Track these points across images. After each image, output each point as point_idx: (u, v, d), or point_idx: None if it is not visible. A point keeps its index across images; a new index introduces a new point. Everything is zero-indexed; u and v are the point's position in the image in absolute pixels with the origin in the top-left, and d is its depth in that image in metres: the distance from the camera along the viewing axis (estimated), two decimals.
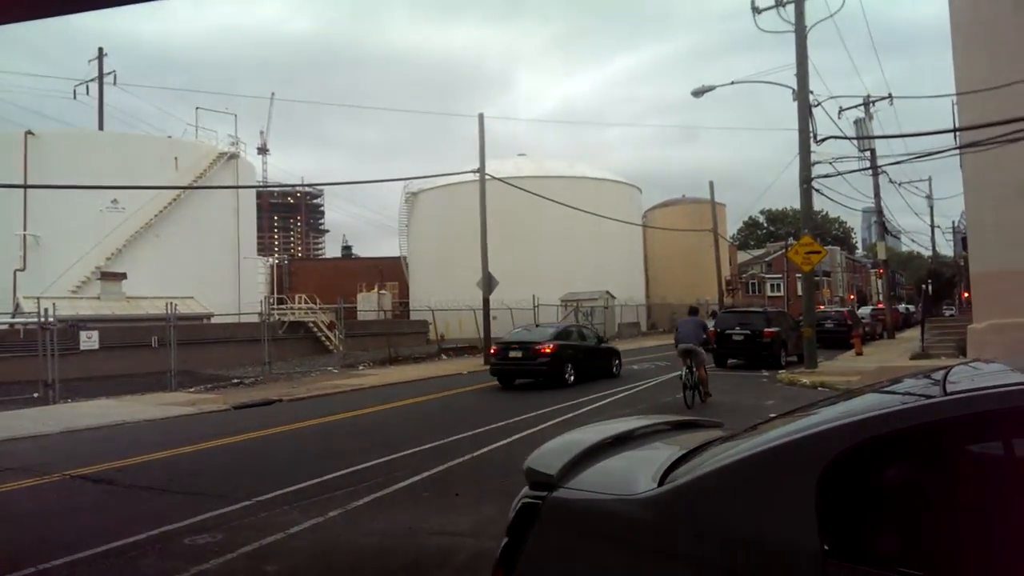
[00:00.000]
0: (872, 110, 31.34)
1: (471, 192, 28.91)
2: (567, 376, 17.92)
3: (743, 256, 78.58)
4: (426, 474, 8.19)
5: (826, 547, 1.91)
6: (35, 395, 16.89)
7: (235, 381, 20.76)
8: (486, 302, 26.55)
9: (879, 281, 60.05)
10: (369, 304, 45.09)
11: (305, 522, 6.36)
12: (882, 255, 39.44)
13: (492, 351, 19.11)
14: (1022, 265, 16.87)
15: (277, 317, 31.63)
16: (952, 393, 2.10)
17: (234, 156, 38.76)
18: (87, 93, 41.99)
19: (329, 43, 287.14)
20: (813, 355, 19.86)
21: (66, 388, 17.39)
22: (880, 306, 44.26)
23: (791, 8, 20.16)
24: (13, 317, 25.98)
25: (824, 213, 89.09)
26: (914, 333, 31.63)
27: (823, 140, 20.14)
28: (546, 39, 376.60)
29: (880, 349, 27.59)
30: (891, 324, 37.11)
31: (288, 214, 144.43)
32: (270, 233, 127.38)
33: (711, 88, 23.46)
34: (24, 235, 32.51)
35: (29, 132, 33.68)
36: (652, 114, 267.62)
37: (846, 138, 24.15)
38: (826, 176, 21.09)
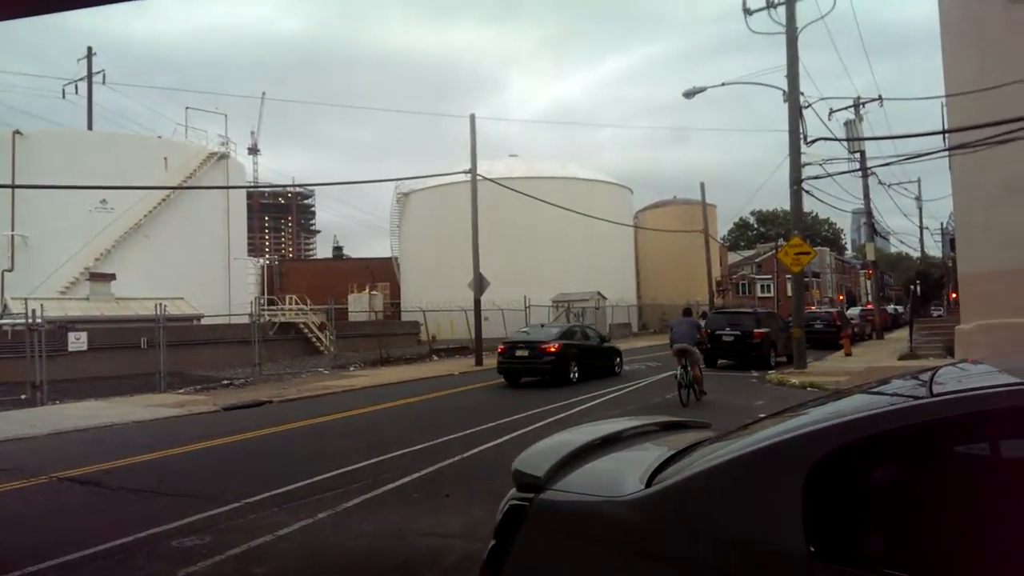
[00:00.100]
0: (862, 112, 31.57)
1: (463, 193, 28.90)
2: (571, 375, 18.44)
3: (733, 257, 78.94)
4: (416, 475, 8.17)
5: (812, 549, 1.91)
6: (23, 397, 16.76)
7: (225, 382, 20.68)
8: (477, 303, 26.54)
9: (868, 282, 60.38)
10: (360, 305, 44.99)
11: (294, 524, 6.33)
12: (871, 256, 39.66)
13: (499, 350, 19.75)
14: (1010, 266, 17.00)
15: (267, 318, 31.54)
16: (939, 394, 2.10)
17: (224, 156, 38.59)
18: (76, 92, 41.75)
19: (320, 43, 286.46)
20: (802, 356, 19.95)
21: (54, 390, 17.27)
22: (869, 307, 44.54)
23: (782, 10, 20.25)
24: (1, 318, 25.77)
25: (814, 214, 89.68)
26: (903, 334, 31.86)
27: (813, 141, 20.24)
28: (538, 40, 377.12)
29: (869, 349, 27.75)
30: (880, 325, 37.32)
31: (279, 214, 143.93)
32: (261, 234, 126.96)
33: (702, 89, 23.54)
34: (12, 236, 32.25)
35: (17, 132, 33.42)
36: (643, 115, 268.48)
37: (836, 139, 24.24)
38: (816, 177, 21.20)
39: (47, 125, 41.20)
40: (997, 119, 14.10)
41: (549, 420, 12.14)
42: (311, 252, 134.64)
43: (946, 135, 18.55)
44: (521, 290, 35.66)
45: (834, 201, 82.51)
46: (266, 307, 35.51)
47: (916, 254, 64.44)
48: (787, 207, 23.82)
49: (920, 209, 51.10)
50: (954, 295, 28.22)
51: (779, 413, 2.91)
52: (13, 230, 32.32)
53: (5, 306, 27.79)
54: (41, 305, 18.74)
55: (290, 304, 35.47)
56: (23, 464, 9.55)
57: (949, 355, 19.81)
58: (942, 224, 49.32)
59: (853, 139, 28.84)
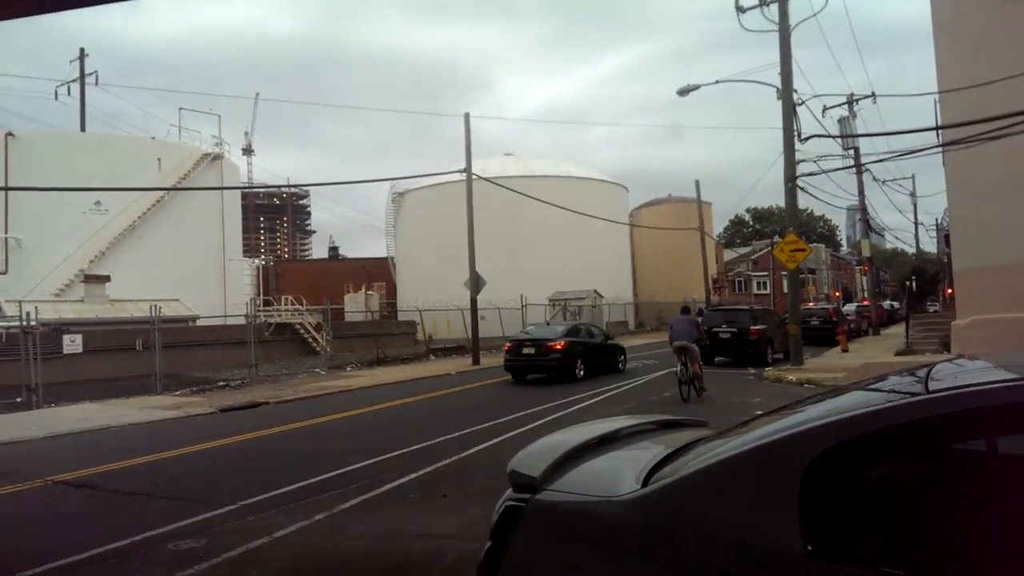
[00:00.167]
0: (856, 108, 31.59)
1: (458, 192, 28.86)
2: (577, 371, 18.81)
3: (729, 254, 79.03)
4: (413, 476, 8.15)
5: (809, 548, 1.90)
6: (18, 400, 16.69)
7: (221, 384, 20.62)
8: (474, 302, 26.52)
9: (864, 278, 60.54)
10: (356, 305, 44.93)
11: (291, 526, 6.31)
12: (866, 252, 39.74)
13: (506, 347, 20.14)
14: (1004, 261, 17.04)
15: (263, 319, 31.46)
16: (934, 391, 2.09)
17: (218, 157, 38.51)
18: (68, 94, 41.58)
19: (313, 43, 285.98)
20: (799, 352, 19.98)
21: (49, 392, 17.21)
22: (865, 303, 44.64)
23: (775, 8, 20.27)
24: None
25: (809, 211, 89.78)
26: (899, 329, 31.90)
27: (807, 139, 20.29)
28: (531, 39, 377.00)
29: (865, 345, 27.80)
30: (876, 321, 37.40)
31: (274, 215, 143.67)
32: (256, 234, 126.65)
33: (696, 87, 23.55)
34: (5, 238, 32.13)
35: (9, 133, 33.29)
36: (638, 113, 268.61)
37: (830, 136, 24.30)
38: (810, 174, 21.24)
39: (40, 127, 41.07)
40: (990, 115, 14.12)
41: (548, 419, 12.13)
42: (307, 252, 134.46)
43: (939, 131, 18.58)
44: (517, 289, 35.66)
45: (829, 198, 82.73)
46: (262, 308, 35.42)
47: (911, 250, 64.69)
48: (782, 204, 23.87)
49: (915, 205, 51.38)
50: (949, 291, 28.31)
51: (775, 411, 2.90)
52: (6, 232, 32.21)
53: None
54: (35, 308, 18.68)
55: (286, 305, 35.40)
56: (18, 467, 9.50)
57: (945, 350, 19.85)
58: (937, 220, 49.46)
59: (847, 136, 28.89)
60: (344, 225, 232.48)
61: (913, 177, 50.62)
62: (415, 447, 9.86)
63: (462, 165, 26.66)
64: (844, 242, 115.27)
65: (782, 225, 45.48)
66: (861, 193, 35.08)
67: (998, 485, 1.90)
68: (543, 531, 2.46)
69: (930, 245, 60.20)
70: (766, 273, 68.45)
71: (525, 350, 19.19)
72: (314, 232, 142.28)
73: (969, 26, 17.91)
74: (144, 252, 33.83)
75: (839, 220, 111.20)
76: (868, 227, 38.49)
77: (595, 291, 41.98)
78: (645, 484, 2.34)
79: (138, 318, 24.30)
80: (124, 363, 22.12)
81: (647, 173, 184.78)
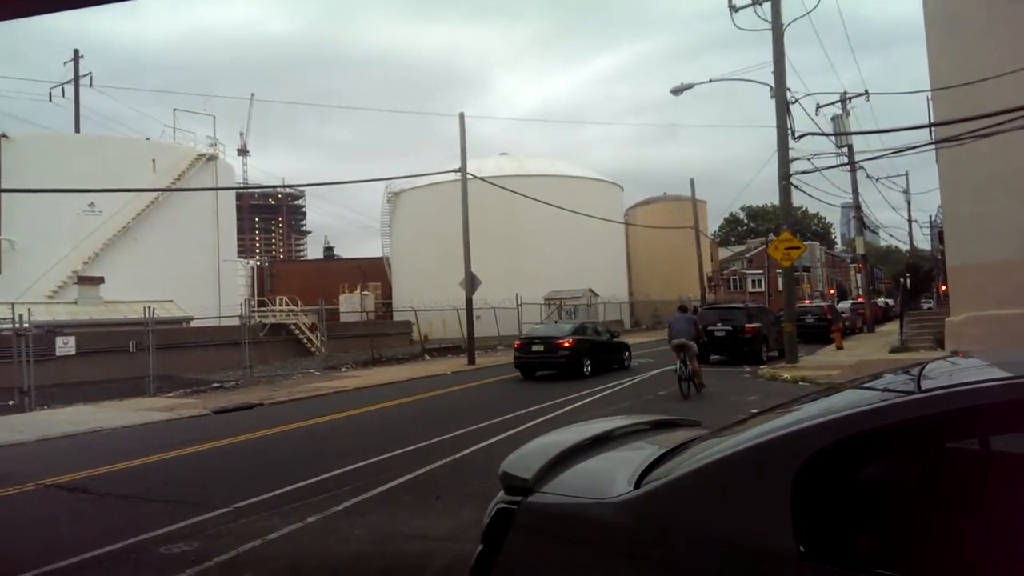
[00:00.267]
0: (849, 106, 31.64)
1: (453, 192, 28.83)
2: (584, 368, 19.39)
3: (724, 252, 79.20)
4: (407, 477, 8.12)
5: (802, 549, 1.88)
6: (10, 402, 16.60)
7: (215, 385, 20.55)
8: (469, 302, 26.49)
9: (858, 275, 60.67)
10: (352, 305, 44.85)
11: (283, 528, 6.27)
12: (861, 250, 39.86)
13: (515, 345, 20.83)
14: (997, 258, 17.09)
15: (258, 319, 31.40)
16: (927, 390, 2.07)
17: (213, 158, 38.41)
18: (63, 95, 41.39)
19: (309, 44, 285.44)
20: (794, 350, 20.01)
21: (42, 395, 17.12)
22: (860, 300, 44.70)
23: (768, 6, 20.28)
24: None
25: (803, 209, 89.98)
26: (893, 327, 31.98)
27: (801, 137, 20.32)
28: (527, 39, 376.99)
29: (860, 343, 27.86)
30: (871, 318, 37.47)
31: (269, 216, 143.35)
32: (251, 235, 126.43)
33: (690, 86, 23.56)
34: None
35: (3, 135, 33.16)
36: (632, 113, 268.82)
37: (824, 134, 24.31)
38: (804, 172, 21.31)
39: (34, 128, 40.87)
40: (982, 112, 14.15)
41: (544, 419, 12.11)
42: (302, 253, 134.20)
43: (932, 128, 18.62)
44: (513, 288, 35.65)
45: (823, 196, 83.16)
46: (257, 309, 35.36)
47: (905, 247, 64.79)
48: (777, 202, 23.90)
49: (908, 202, 51.46)
50: (943, 287, 28.35)
51: (769, 410, 2.88)
52: (0, 234, 32.05)
53: None
54: (28, 310, 18.61)
55: (281, 305, 35.32)
56: (10, 471, 9.44)
57: (940, 347, 19.90)
58: (931, 217, 49.59)
59: (840, 134, 28.92)
60: (339, 225, 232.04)
61: (907, 174, 50.71)
62: (410, 448, 9.83)
63: (457, 165, 26.61)
64: (838, 240, 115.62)
65: (777, 223, 45.52)
66: (855, 191, 35.16)
67: (993, 485, 1.88)
68: (535, 534, 2.44)
69: (924, 242, 60.34)
70: (761, 271, 68.57)
71: (534, 348, 19.78)
72: (309, 232, 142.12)
73: (961, 24, 17.96)
74: (138, 253, 33.72)
75: (833, 218, 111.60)
76: (862, 225, 38.59)
77: (591, 290, 41.97)
78: (638, 485, 2.32)
79: (132, 320, 24.20)
80: (118, 365, 22.02)
81: (642, 172, 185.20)
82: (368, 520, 6.55)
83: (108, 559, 5.72)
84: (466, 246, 26.17)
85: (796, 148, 20.65)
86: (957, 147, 16.04)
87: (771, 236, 47.01)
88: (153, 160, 35.38)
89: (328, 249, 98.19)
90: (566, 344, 19.34)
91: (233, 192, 47.25)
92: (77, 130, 40.09)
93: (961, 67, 17.13)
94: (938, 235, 32.34)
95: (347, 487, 7.70)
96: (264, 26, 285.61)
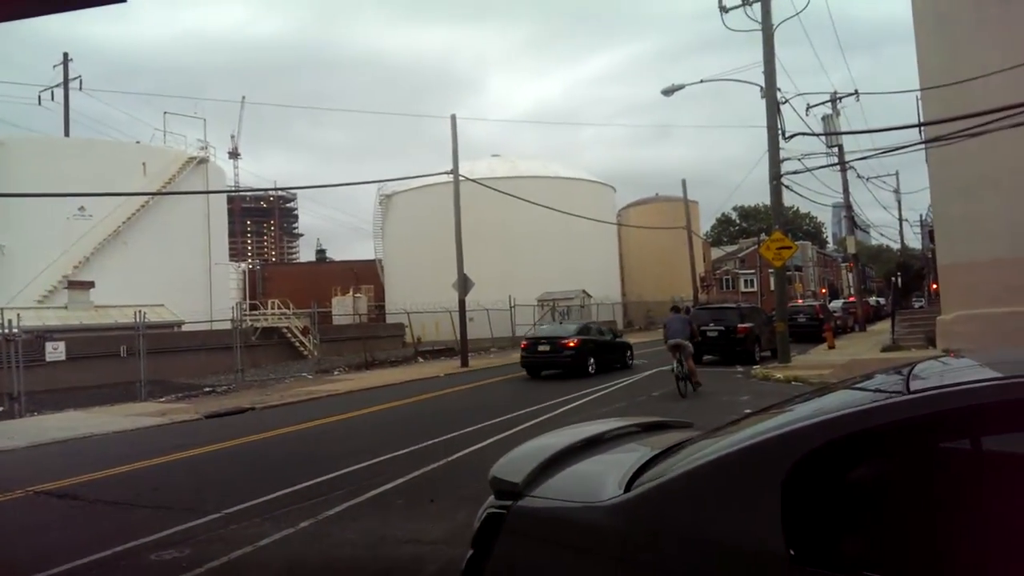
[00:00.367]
0: (839, 106, 31.76)
1: (446, 194, 28.79)
2: (589, 367, 19.90)
3: (717, 253, 79.33)
4: (400, 480, 8.09)
5: (792, 552, 1.87)
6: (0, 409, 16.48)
7: (207, 390, 20.45)
8: (462, 304, 26.45)
9: (850, 275, 60.90)
10: (344, 308, 44.74)
11: (275, 534, 6.23)
12: (852, 249, 39.99)
13: (522, 345, 21.39)
14: (987, 257, 17.19)
15: (250, 323, 31.25)
16: (916, 391, 2.06)
17: (204, 161, 38.25)
18: (52, 99, 41.16)
19: (299, 46, 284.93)
20: (786, 350, 20.05)
21: (32, 401, 17.01)
22: (851, 299, 44.88)
23: (758, 7, 20.35)
24: None
25: (795, 209, 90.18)
26: (885, 325, 32.10)
27: (791, 137, 20.36)
28: (519, 41, 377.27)
29: (852, 342, 27.95)
30: (862, 317, 37.62)
31: (261, 218, 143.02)
32: (243, 238, 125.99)
33: (681, 87, 23.61)
34: None
35: None
36: (624, 114, 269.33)
37: (814, 134, 24.38)
38: (795, 172, 21.37)
39: (22, 132, 40.64)
40: (971, 112, 14.23)
41: (538, 420, 12.09)
42: (294, 256, 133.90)
43: (922, 128, 18.71)
44: (506, 290, 35.63)
45: (814, 195, 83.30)
46: (248, 312, 35.22)
47: (896, 246, 65.17)
48: (768, 202, 23.97)
49: (899, 202, 51.78)
50: (934, 286, 28.50)
51: (761, 411, 2.87)
52: None
53: None
54: (18, 315, 18.47)
55: (273, 309, 35.18)
56: None
57: (931, 346, 20.00)
58: (921, 216, 49.86)
59: (831, 133, 29.02)
60: (331, 228, 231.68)
61: (897, 174, 51.14)
62: (403, 451, 9.80)
63: (450, 166, 26.59)
64: (830, 239, 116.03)
65: (768, 223, 45.70)
66: (846, 190, 35.30)
67: (984, 486, 1.87)
68: (525, 539, 2.42)
69: (915, 241, 60.62)
70: (753, 271, 68.75)
71: (540, 348, 20.36)
72: (301, 235, 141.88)
73: (950, 23, 18.06)
74: (129, 257, 33.52)
75: (825, 217, 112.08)
76: (853, 224, 38.75)
77: (583, 291, 41.99)
78: (628, 489, 2.30)
79: (122, 324, 24.06)
80: (108, 370, 21.89)
81: (635, 173, 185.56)
82: (361, 524, 6.52)
83: (98, 566, 5.67)
84: (458, 248, 26.14)
85: (787, 148, 20.73)
86: (947, 147, 16.13)
87: (763, 236, 47.16)
88: (143, 164, 35.20)
89: (320, 252, 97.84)
90: (571, 344, 19.87)
91: (224, 195, 47.05)
92: (67, 134, 39.85)
93: (950, 66, 17.23)
94: (929, 234, 32.52)
95: (340, 491, 7.66)
96: (256, 29, 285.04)
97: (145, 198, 33.51)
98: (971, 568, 1.80)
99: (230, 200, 62.37)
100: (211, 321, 28.99)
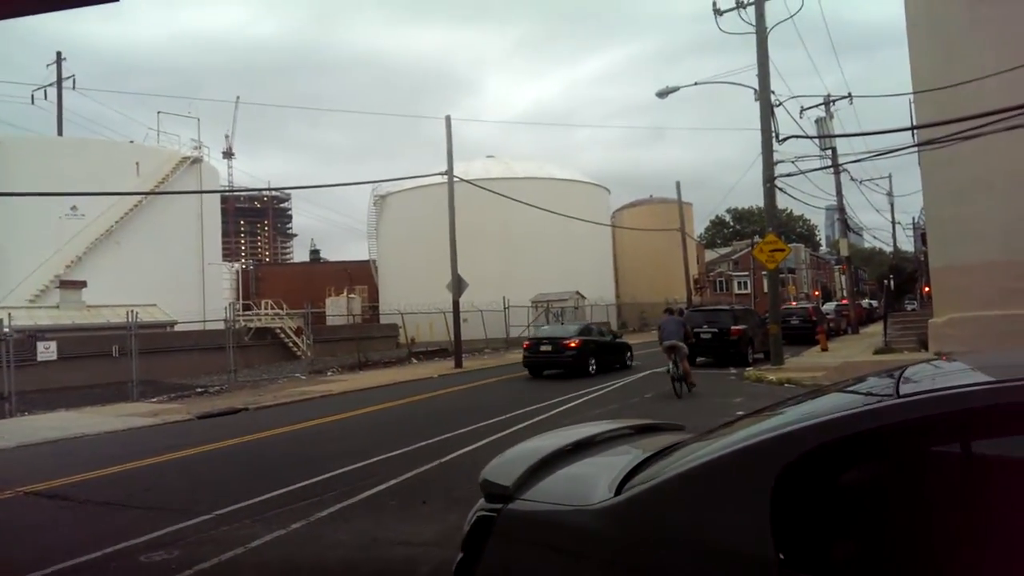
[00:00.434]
0: (832, 109, 31.89)
1: (440, 194, 28.76)
2: (590, 367, 20.22)
3: (710, 255, 79.52)
4: (393, 482, 8.07)
5: (781, 557, 1.86)
6: None
7: (199, 390, 20.38)
8: (456, 304, 26.42)
9: (843, 277, 61.12)
10: (338, 308, 44.66)
11: (267, 535, 6.21)
12: (845, 252, 40.11)
13: (524, 345, 21.98)
14: (979, 259, 17.26)
15: (243, 323, 31.18)
16: (906, 395, 2.06)
17: (197, 160, 38.12)
18: (45, 98, 40.98)
19: (295, 47, 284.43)
20: (779, 352, 20.08)
21: (23, 401, 16.91)
22: (844, 302, 45.03)
23: (752, 10, 20.39)
24: None
25: (788, 211, 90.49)
26: (878, 328, 32.22)
27: (785, 139, 20.42)
28: (514, 42, 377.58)
29: (845, 344, 28.02)
30: (855, 319, 37.72)
31: (255, 218, 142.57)
32: (236, 238, 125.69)
33: (675, 89, 23.65)
34: None
35: None
36: (619, 115, 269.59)
37: (807, 137, 24.49)
38: (789, 175, 21.40)
39: (16, 131, 40.44)
40: (964, 115, 14.29)
41: (532, 421, 12.08)
42: (288, 256, 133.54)
43: (915, 131, 18.78)
44: (500, 291, 35.61)
45: (808, 198, 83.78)
46: (242, 312, 35.13)
47: (889, 249, 65.34)
48: (762, 204, 24.05)
49: (892, 204, 51.89)
50: (927, 289, 28.62)
51: (752, 414, 2.87)
52: None
53: None
54: (9, 314, 18.38)
55: (266, 309, 35.08)
56: None
57: (923, 348, 20.06)
58: (914, 219, 50.10)
59: (824, 136, 29.15)
60: (326, 228, 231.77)
61: (890, 177, 51.20)
62: (396, 452, 9.78)
63: (444, 167, 26.57)
64: (823, 242, 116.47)
65: (762, 225, 45.80)
66: (839, 193, 35.42)
67: (976, 490, 1.87)
68: (515, 542, 2.41)
69: (907, 244, 60.82)
70: (747, 273, 68.91)
71: (543, 348, 20.77)
72: (295, 235, 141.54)
73: (943, 26, 18.13)
74: (122, 257, 33.38)
75: (818, 220, 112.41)
76: (846, 227, 38.87)
77: (577, 292, 42.00)
78: (619, 492, 2.29)
79: (115, 324, 23.94)
80: (100, 370, 21.78)
81: (629, 174, 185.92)
82: (353, 525, 6.50)
83: (87, 568, 5.63)
84: (452, 249, 26.12)
85: (780, 151, 20.78)
86: (939, 149, 16.19)
87: (756, 238, 47.29)
88: (137, 163, 35.06)
89: (314, 252, 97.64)
90: (573, 344, 20.24)
91: (218, 195, 46.91)
92: (60, 133, 39.70)
93: (943, 69, 17.29)
94: (921, 237, 32.64)
95: (332, 492, 7.64)
96: (251, 29, 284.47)
97: (138, 198, 33.38)
98: (961, 572, 1.79)
99: (224, 200, 62.20)
100: (204, 321, 28.89)
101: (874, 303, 53.97)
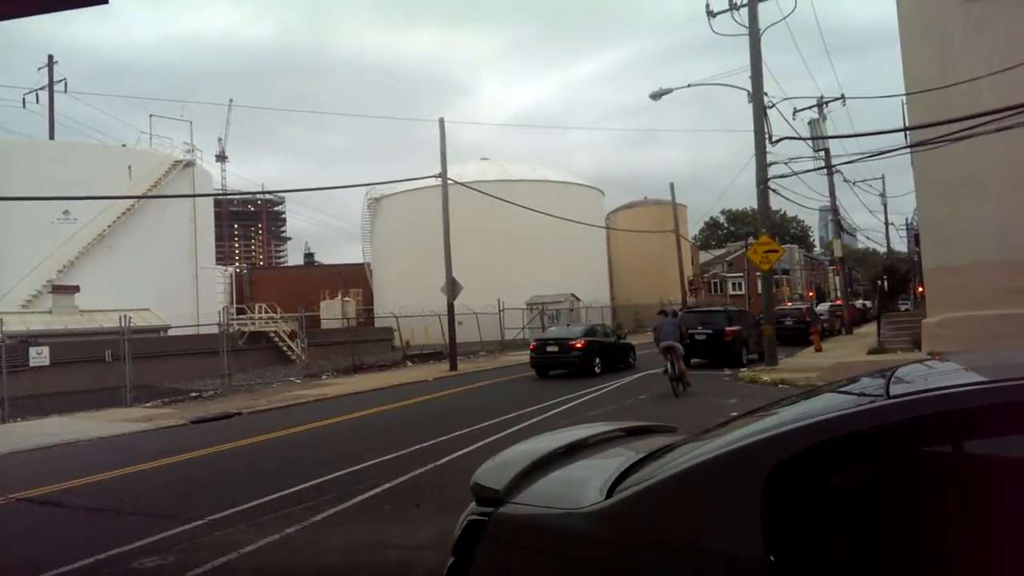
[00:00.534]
0: (826, 111, 32.02)
1: (434, 197, 28.75)
2: (595, 367, 20.68)
3: (705, 256, 79.64)
4: (387, 485, 8.04)
5: (772, 559, 1.85)
6: None
7: (193, 394, 20.30)
8: (450, 307, 26.40)
9: (836, 278, 61.32)
10: (333, 312, 44.55)
11: (261, 540, 6.18)
12: (838, 253, 40.21)
13: (531, 347, 22.52)
14: (972, 260, 17.33)
15: (237, 327, 31.07)
16: (894, 396, 2.05)
17: (190, 164, 38.03)
18: (37, 102, 40.81)
19: (289, 49, 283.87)
20: (773, 353, 20.13)
21: (16, 406, 16.82)
22: (838, 302, 45.17)
23: (745, 12, 20.45)
24: None
25: (782, 213, 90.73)
26: (871, 328, 32.28)
27: (778, 141, 20.46)
28: (508, 44, 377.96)
29: (839, 345, 28.11)
30: (849, 320, 37.84)
31: (249, 222, 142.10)
32: (230, 242, 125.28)
33: (668, 91, 23.70)
34: None
35: None
36: (614, 117, 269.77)
37: (801, 139, 24.60)
38: (782, 176, 21.44)
39: (7, 135, 40.25)
40: (956, 116, 14.36)
41: (526, 423, 12.06)
42: (282, 259, 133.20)
43: (907, 132, 18.86)
44: (495, 293, 35.59)
45: (801, 199, 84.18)
46: (236, 316, 34.99)
47: (883, 250, 65.65)
48: (756, 206, 24.12)
49: (885, 205, 52.17)
50: (920, 289, 28.71)
51: (740, 417, 2.87)
52: None
53: None
54: (1, 320, 18.30)
55: (260, 313, 34.98)
56: None
57: (916, 348, 20.13)
58: (907, 219, 50.26)
59: (817, 138, 29.25)
60: (320, 231, 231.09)
61: (883, 178, 51.56)
62: (390, 456, 9.75)
63: (438, 170, 26.56)
64: (817, 243, 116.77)
65: (756, 227, 45.97)
66: (832, 194, 35.54)
67: (967, 490, 1.86)
68: (506, 546, 2.40)
69: (901, 244, 61.19)
70: (741, 274, 69.07)
71: (549, 348, 21.22)
72: (289, 239, 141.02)
73: (935, 27, 18.22)
74: (114, 262, 33.26)
75: (812, 221, 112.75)
76: (840, 228, 38.99)
77: (572, 294, 42.04)
78: (610, 495, 2.29)
79: (108, 329, 23.83)
80: (94, 375, 21.70)
81: (624, 176, 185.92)
82: (348, 530, 6.48)
83: (80, 574, 5.59)
84: (447, 251, 26.10)
85: (774, 152, 20.86)
86: (932, 150, 16.26)
87: (750, 239, 47.41)
88: (129, 167, 34.95)
89: (308, 255, 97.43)
90: (579, 345, 20.72)
91: (211, 199, 46.81)
92: (52, 137, 39.55)
93: (936, 70, 17.38)
94: (914, 237, 32.76)
95: (326, 496, 7.61)
96: (244, 32, 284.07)
97: (131, 202, 33.25)
98: (953, 573, 1.79)
99: (217, 204, 62.01)
100: (198, 325, 28.79)
101: (868, 304, 54.15)
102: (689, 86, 23.96)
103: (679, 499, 2.11)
